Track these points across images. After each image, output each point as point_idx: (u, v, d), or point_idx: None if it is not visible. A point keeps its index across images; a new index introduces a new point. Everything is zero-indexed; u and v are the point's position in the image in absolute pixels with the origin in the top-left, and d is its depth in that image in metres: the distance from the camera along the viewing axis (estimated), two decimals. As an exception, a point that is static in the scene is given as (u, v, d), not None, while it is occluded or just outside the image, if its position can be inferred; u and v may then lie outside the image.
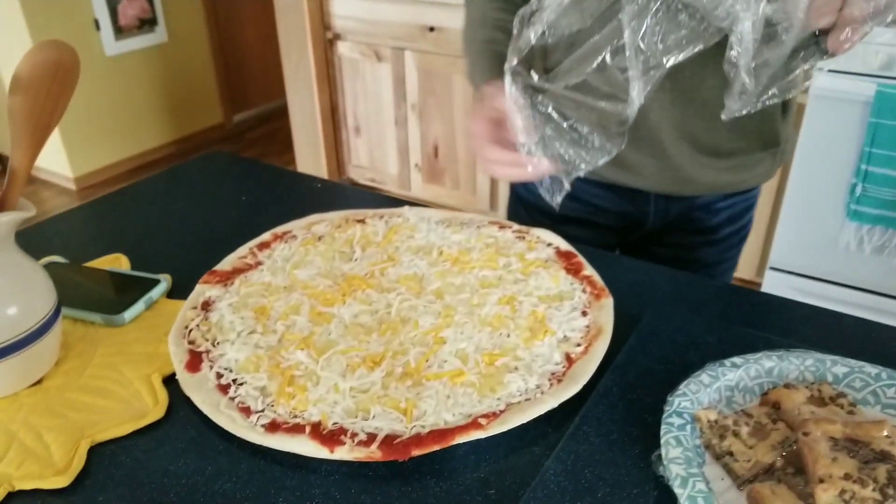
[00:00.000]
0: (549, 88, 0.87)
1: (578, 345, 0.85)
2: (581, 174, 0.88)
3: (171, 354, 0.85)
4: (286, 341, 0.86)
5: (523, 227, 1.09)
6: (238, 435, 0.74)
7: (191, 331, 0.89)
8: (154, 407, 0.79)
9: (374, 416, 0.75)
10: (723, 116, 0.80)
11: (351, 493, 0.69)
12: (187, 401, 0.80)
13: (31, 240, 1.09)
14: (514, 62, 0.85)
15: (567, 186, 0.89)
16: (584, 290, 0.95)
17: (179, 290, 1.01)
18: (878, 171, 2.28)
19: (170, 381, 0.84)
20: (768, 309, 0.96)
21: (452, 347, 0.84)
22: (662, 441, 0.69)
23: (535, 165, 0.88)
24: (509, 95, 0.86)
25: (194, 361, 0.84)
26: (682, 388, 0.75)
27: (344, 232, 1.09)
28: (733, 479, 0.68)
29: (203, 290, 0.97)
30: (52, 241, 1.16)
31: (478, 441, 0.73)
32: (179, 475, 0.72)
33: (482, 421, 0.74)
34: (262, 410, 0.76)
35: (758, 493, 0.64)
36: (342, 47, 3.50)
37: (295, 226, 1.12)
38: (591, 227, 1.28)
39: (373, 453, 0.70)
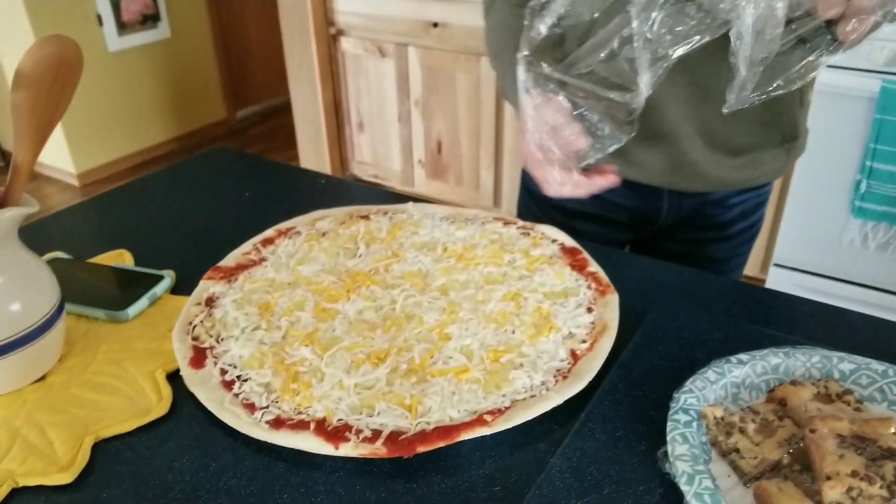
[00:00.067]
0: (559, 78, 0.87)
1: (584, 341, 0.85)
2: (592, 161, 0.89)
3: (174, 351, 0.85)
4: (290, 337, 0.86)
5: (528, 224, 1.09)
6: (242, 431, 0.74)
7: (195, 327, 0.89)
8: (158, 403, 0.79)
9: (378, 413, 0.74)
10: (724, 109, 0.80)
11: (355, 490, 0.69)
12: (191, 397, 0.80)
13: (35, 236, 1.09)
14: (526, 52, 0.85)
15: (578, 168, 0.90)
16: (589, 287, 0.94)
17: (183, 286, 1.01)
18: (883, 168, 2.28)
19: (174, 378, 0.83)
20: (774, 305, 0.95)
21: (457, 344, 0.84)
22: (668, 438, 0.69)
23: (595, 182, 0.90)
24: (522, 84, 0.86)
25: (198, 358, 0.83)
26: (688, 384, 0.75)
27: (348, 228, 1.08)
28: (740, 476, 0.68)
29: (207, 286, 0.97)
30: (56, 237, 1.16)
31: (483, 438, 0.73)
32: (183, 471, 0.71)
33: (487, 417, 0.73)
34: (267, 407, 0.76)
35: (764, 491, 0.64)
36: (345, 43, 3.49)
37: (299, 222, 1.12)
38: (604, 222, 1.27)
39: (377, 450, 0.70)
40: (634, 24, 0.77)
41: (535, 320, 0.88)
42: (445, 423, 0.73)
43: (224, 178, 1.39)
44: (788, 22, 0.74)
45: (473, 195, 3.45)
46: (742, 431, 0.70)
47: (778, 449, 0.68)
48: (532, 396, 0.77)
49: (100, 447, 0.75)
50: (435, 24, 3.14)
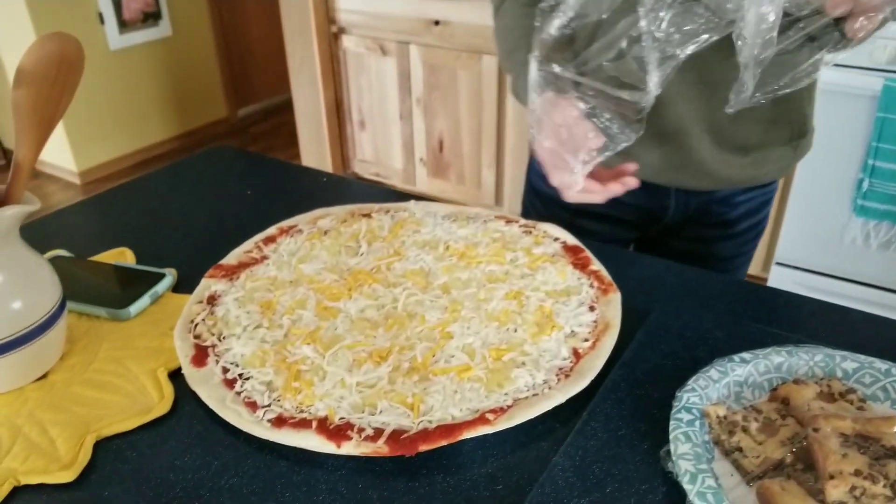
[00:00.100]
0: (570, 77, 0.87)
1: (586, 340, 0.85)
2: (602, 159, 0.89)
3: (176, 349, 0.85)
4: (292, 336, 0.86)
5: (530, 222, 1.09)
6: (244, 430, 0.74)
7: (196, 325, 0.89)
8: (160, 401, 0.79)
9: (380, 411, 0.74)
10: (727, 110, 0.80)
11: (357, 489, 0.69)
12: (193, 395, 0.80)
13: (36, 234, 1.09)
14: (537, 53, 0.86)
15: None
16: (591, 285, 0.94)
17: (185, 285, 1.00)
18: (886, 167, 2.27)
19: (175, 376, 0.83)
20: (777, 304, 0.95)
21: (459, 342, 0.84)
22: (671, 437, 0.69)
23: (610, 189, 0.90)
24: (533, 85, 0.87)
25: (200, 356, 0.83)
26: (691, 383, 0.75)
27: (350, 226, 1.08)
28: (742, 475, 0.67)
29: (209, 285, 0.97)
30: (57, 236, 1.16)
31: (485, 436, 0.73)
32: (185, 470, 0.71)
33: (489, 416, 0.73)
34: (269, 405, 0.76)
35: (767, 490, 0.63)
36: (347, 41, 3.49)
37: (300, 220, 1.12)
38: (611, 221, 1.27)
39: (380, 448, 0.70)
40: (643, 23, 0.78)
41: (538, 319, 0.88)
42: (447, 422, 0.73)
43: (226, 177, 1.39)
44: (796, 20, 0.74)
45: (475, 193, 3.44)
46: (745, 430, 0.70)
47: (781, 448, 0.68)
48: (534, 395, 0.77)
49: (101, 445, 0.74)
50: (436, 22, 3.14)
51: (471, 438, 0.72)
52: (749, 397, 0.77)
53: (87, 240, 1.14)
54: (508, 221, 1.09)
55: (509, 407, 0.75)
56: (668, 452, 0.68)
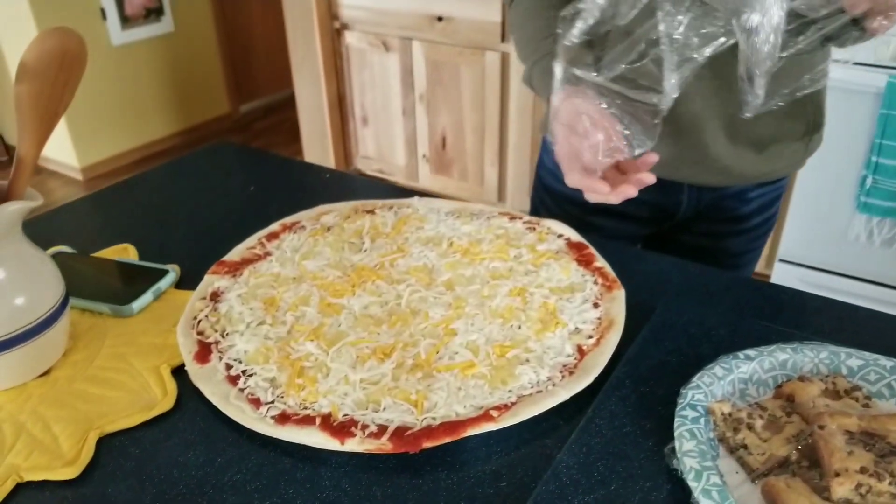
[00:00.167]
0: (591, 80, 0.87)
1: (590, 337, 0.85)
2: (612, 161, 0.90)
3: (179, 345, 0.85)
4: (296, 332, 0.86)
5: (534, 218, 1.09)
6: (248, 426, 0.74)
7: (199, 322, 0.88)
8: (163, 398, 0.79)
9: (384, 408, 0.74)
10: (746, 114, 0.81)
11: (361, 486, 0.69)
12: (196, 392, 0.80)
13: (39, 230, 1.09)
14: (560, 59, 0.87)
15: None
16: (595, 282, 0.94)
17: (188, 281, 1.00)
18: (889, 163, 2.27)
19: (178, 372, 0.83)
20: (781, 301, 0.95)
21: (463, 339, 0.83)
22: (676, 434, 0.68)
23: (623, 191, 0.90)
24: (557, 84, 0.87)
25: (203, 352, 0.83)
26: (696, 380, 0.75)
27: (353, 223, 1.08)
28: (748, 472, 0.67)
29: (212, 281, 0.96)
30: (60, 231, 1.16)
31: (489, 433, 0.73)
32: (189, 467, 0.71)
33: (493, 413, 0.73)
34: (272, 402, 0.76)
35: (773, 487, 0.63)
36: (350, 37, 3.48)
37: (303, 216, 1.12)
38: (622, 217, 1.27)
39: (383, 445, 0.70)
40: (661, 26, 0.78)
41: (542, 316, 0.88)
42: (451, 419, 0.73)
43: (228, 173, 1.39)
44: (812, 21, 0.75)
45: (478, 190, 3.44)
46: (750, 428, 0.70)
47: (786, 445, 0.68)
48: (538, 392, 0.76)
49: (104, 442, 0.74)
50: (439, 18, 3.14)
51: (475, 435, 0.72)
52: (754, 394, 0.77)
53: (90, 236, 1.14)
54: (512, 218, 1.09)
55: (513, 404, 0.75)
56: (673, 450, 0.68)
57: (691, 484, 0.63)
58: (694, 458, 0.65)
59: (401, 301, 0.91)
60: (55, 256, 1.03)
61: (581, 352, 0.82)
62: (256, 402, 0.76)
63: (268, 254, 1.03)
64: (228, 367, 0.81)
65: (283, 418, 0.73)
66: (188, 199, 1.27)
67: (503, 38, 3.00)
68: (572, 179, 0.93)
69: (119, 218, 1.22)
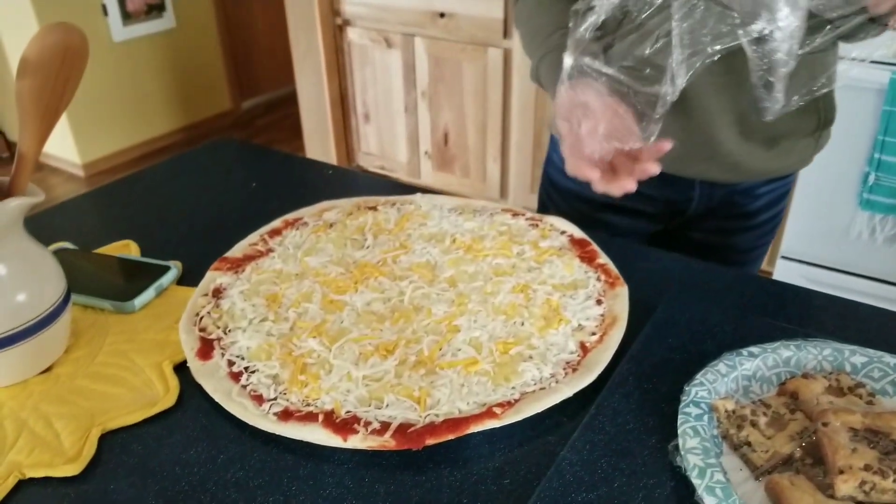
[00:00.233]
0: (599, 69, 0.87)
1: (593, 333, 0.84)
2: (628, 145, 0.89)
3: (181, 342, 0.85)
4: (298, 329, 0.86)
5: (536, 215, 1.08)
6: (250, 423, 0.74)
7: (202, 318, 0.88)
8: (165, 395, 0.79)
9: (387, 405, 0.74)
10: (767, 118, 0.80)
11: (364, 482, 0.69)
12: (199, 389, 0.79)
13: (40, 226, 1.09)
14: (569, 52, 0.87)
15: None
16: (598, 279, 0.94)
17: (190, 277, 1.00)
18: (892, 160, 2.26)
19: (181, 369, 0.83)
20: (785, 298, 0.95)
21: (466, 336, 0.83)
22: (679, 431, 0.68)
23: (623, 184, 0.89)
24: (564, 75, 0.88)
25: (205, 349, 0.83)
26: (699, 377, 0.74)
27: (355, 219, 1.08)
28: (751, 469, 0.67)
29: (214, 277, 0.96)
30: (62, 228, 1.16)
31: (492, 430, 0.73)
32: (191, 463, 0.71)
33: (497, 410, 0.73)
34: (275, 398, 0.76)
35: (776, 484, 0.63)
36: (352, 33, 3.48)
37: (306, 213, 1.12)
38: (632, 214, 1.27)
39: (386, 442, 0.70)
40: (674, 22, 0.78)
41: (545, 312, 0.87)
42: (454, 416, 0.73)
43: (230, 169, 1.39)
44: (828, 22, 0.74)
45: (480, 187, 3.44)
46: (753, 425, 0.70)
47: (790, 442, 0.68)
48: (541, 389, 0.76)
49: (106, 439, 0.74)
50: (442, 15, 3.13)
51: (478, 432, 0.72)
52: (757, 391, 0.77)
53: (92, 232, 1.14)
54: (515, 214, 1.09)
55: (516, 401, 0.74)
56: (677, 447, 0.68)
57: (695, 481, 0.63)
58: (697, 456, 0.65)
59: (403, 298, 0.91)
60: (57, 253, 1.03)
61: (584, 349, 0.82)
62: (259, 399, 0.76)
63: (270, 250, 1.03)
64: (231, 363, 0.81)
65: (285, 415, 0.73)
66: (190, 195, 1.27)
67: (506, 35, 2.99)
68: (569, 165, 0.93)
69: (121, 214, 1.22)
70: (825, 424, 0.66)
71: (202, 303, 0.91)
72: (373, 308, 0.90)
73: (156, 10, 4.31)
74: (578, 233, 1.04)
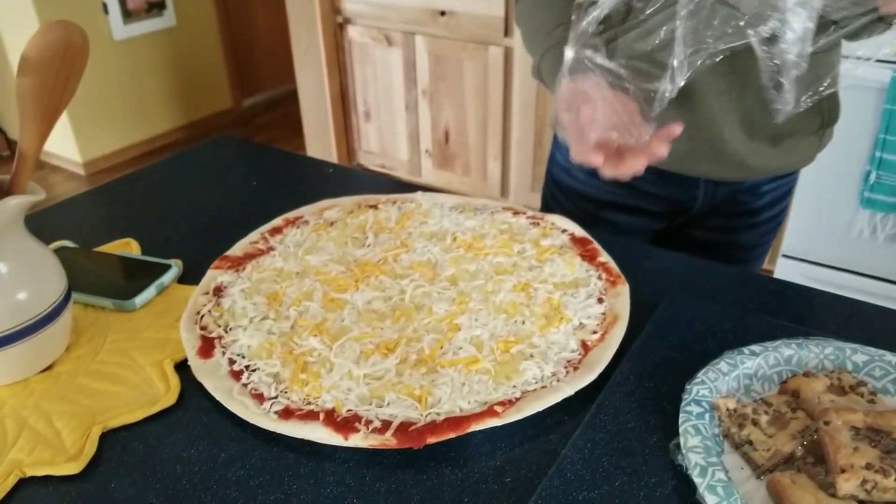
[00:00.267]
0: (600, 63, 0.87)
1: (594, 332, 0.84)
2: (631, 134, 0.88)
3: (182, 340, 0.85)
4: (299, 327, 0.86)
5: (538, 213, 1.08)
6: (251, 422, 0.74)
7: (203, 316, 0.88)
8: (166, 393, 0.79)
9: (388, 404, 0.74)
10: (778, 120, 0.80)
11: (365, 481, 0.68)
12: (199, 387, 0.79)
13: (41, 224, 1.09)
14: (571, 46, 0.87)
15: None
16: (599, 277, 0.94)
17: (191, 276, 1.00)
18: (893, 159, 2.26)
19: (181, 368, 0.83)
20: (786, 296, 0.94)
21: (467, 334, 0.83)
22: (681, 429, 0.68)
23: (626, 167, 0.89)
24: (566, 68, 0.87)
25: (206, 347, 0.83)
26: (701, 376, 0.74)
27: (356, 217, 1.08)
28: (753, 468, 0.67)
29: (215, 276, 0.96)
30: (62, 226, 1.16)
31: (493, 429, 0.73)
32: (192, 462, 0.71)
33: (498, 408, 0.73)
34: (276, 397, 0.76)
35: (778, 483, 0.63)
36: (352, 32, 3.48)
37: (307, 211, 1.12)
38: (636, 212, 1.26)
39: (387, 440, 0.70)
40: (678, 22, 0.78)
41: (546, 311, 0.87)
42: (456, 414, 0.73)
43: (231, 167, 1.38)
44: (833, 21, 0.74)
45: (481, 185, 3.44)
46: (755, 423, 0.69)
47: (791, 441, 0.67)
48: (543, 387, 0.76)
49: (107, 437, 0.74)
50: (442, 13, 3.13)
51: (479, 431, 0.72)
52: (759, 390, 0.76)
53: (93, 230, 1.14)
54: (516, 213, 1.09)
55: (517, 399, 0.74)
56: (678, 445, 0.67)
57: (696, 480, 0.63)
58: (699, 454, 0.65)
59: (404, 296, 0.91)
60: (58, 251, 1.03)
61: (585, 347, 0.82)
62: (260, 398, 0.76)
63: (271, 248, 1.02)
64: (232, 362, 0.81)
65: (286, 414, 0.73)
66: (191, 193, 1.27)
67: (506, 33, 2.99)
68: (573, 152, 0.92)
69: (121, 213, 1.22)
70: (827, 423, 0.66)
71: (203, 301, 0.91)
72: (374, 306, 0.90)
73: (156, 8, 4.30)
74: (579, 231, 1.04)
